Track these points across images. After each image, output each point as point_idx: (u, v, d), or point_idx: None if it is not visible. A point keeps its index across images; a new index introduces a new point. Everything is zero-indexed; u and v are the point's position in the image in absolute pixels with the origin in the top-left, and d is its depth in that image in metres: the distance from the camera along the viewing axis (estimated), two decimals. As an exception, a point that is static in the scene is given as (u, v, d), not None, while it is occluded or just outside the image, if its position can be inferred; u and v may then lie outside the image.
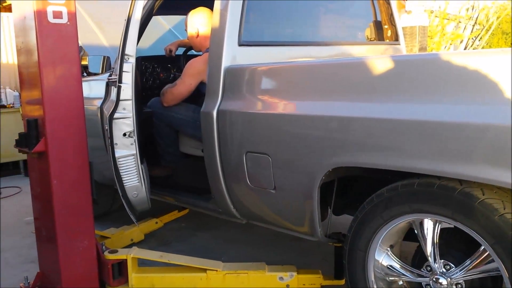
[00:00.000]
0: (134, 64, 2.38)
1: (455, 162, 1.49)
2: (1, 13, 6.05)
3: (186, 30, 2.90)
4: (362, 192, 2.02)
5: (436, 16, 9.06)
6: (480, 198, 1.50)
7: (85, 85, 2.52)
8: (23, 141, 2.24)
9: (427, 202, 1.62)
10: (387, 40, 3.21)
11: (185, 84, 2.72)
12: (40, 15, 2.06)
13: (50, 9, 2.07)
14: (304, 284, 2.35)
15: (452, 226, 1.64)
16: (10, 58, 6.11)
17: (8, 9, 6.80)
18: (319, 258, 2.72)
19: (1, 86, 5.68)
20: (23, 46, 2.26)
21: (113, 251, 2.45)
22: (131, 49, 2.36)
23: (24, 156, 4.64)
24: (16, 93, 5.52)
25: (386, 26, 3.19)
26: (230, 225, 3.28)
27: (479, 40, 10.72)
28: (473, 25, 10.47)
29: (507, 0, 10.74)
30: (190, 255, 2.58)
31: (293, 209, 2.09)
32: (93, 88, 3.06)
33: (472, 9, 10.45)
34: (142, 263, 2.54)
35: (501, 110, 1.40)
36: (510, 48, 1.45)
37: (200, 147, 2.63)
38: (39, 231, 2.44)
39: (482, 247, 1.57)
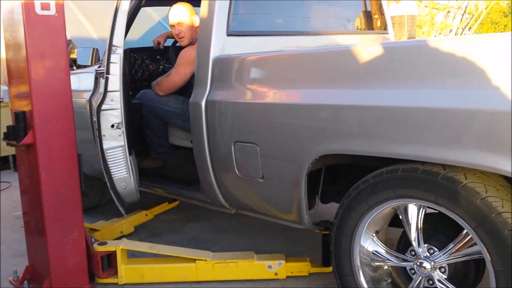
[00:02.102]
0: (122, 55, 2.37)
1: (442, 148, 1.51)
2: None
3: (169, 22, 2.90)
4: (349, 180, 2.04)
5: (425, 6, 9.09)
6: (462, 182, 1.53)
7: (74, 78, 2.52)
8: (11, 134, 2.24)
9: (412, 187, 1.64)
10: (377, 30, 3.22)
11: (179, 73, 2.75)
12: (28, 7, 2.05)
13: (37, 2, 2.06)
14: (292, 272, 2.38)
15: (436, 211, 1.67)
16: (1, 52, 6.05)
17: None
18: (308, 247, 2.75)
19: (-10, 81, 5.63)
20: (11, 39, 2.25)
21: (102, 243, 2.46)
22: (118, 40, 2.36)
23: (13, 151, 4.61)
24: (6, 88, 5.46)
25: (375, 16, 3.21)
26: (221, 216, 3.30)
27: (468, 30, 10.78)
28: (462, 15, 10.52)
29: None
30: (181, 246, 2.61)
31: (280, 197, 2.11)
32: (82, 81, 3.05)
33: (462, -2, 10.51)
34: (132, 255, 2.56)
35: (488, 95, 1.42)
36: (495, 34, 1.46)
37: (189, 138, 2.64)
38: (28, 224, 2.44)
39: (465, 231, 1.60)
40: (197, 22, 2.82)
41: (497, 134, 1.40)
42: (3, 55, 5.88)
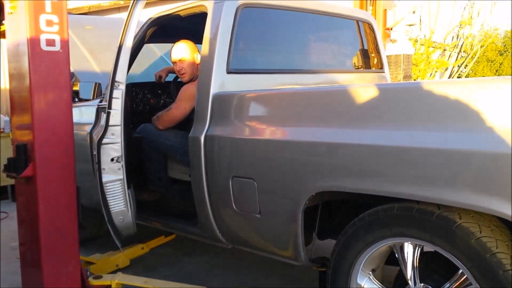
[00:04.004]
0: (124, 91, 2.43)
1: (437, 188, 1.54)
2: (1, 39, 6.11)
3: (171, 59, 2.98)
4: (346, 216, 2.05)
5: (421, 44, 9.30)
6: (457, 222, 1.54)
7: (76, 111, 2.56)
8: (11, 166, 2.26)
9: (407, 226, 1.66)
10: (373, 68, 3.31)
11: (179, 108, 2.81)
12: (33, 43, 2.11)
13: (43, 37, 2.12)
14: (289, 310, 2.35)
15: (431, 250, 1.68)
16: (2, 83, 6.15)
17: (1, 35, 6.88)
18: (306, 284, 2.72)
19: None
20: (16, 71, 2.30)
21: (98, 277, 2.44)
22: (121, 76, 2.42)
23: (12, 181, 4.63)
24: (7, 118, 5.53)
25: (372, 55, 3.30)
26: (217, 251, 3.28)
27: (464, 68, 10.99)
28: (458, 53, 10.75)
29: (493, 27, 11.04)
30: (176, 281, 2.58)
31: (277, 233, 2.12)
32: (83, 114, 3.10)
33: (457, 37, 10.75)
34: (128, 289, 2.53)
35: (484, 137, 1.45)
36: (492, 78, 1.51)
37: (188, 172, 2.66)
38: (24, 256, 2.43)
39: (460, 271, 1.60)
40: (198, 59, 2.90)
41: (492, 175, 1.43)
42: (5, 86, 5.95)
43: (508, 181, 1.39)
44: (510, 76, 1.47)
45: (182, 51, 2.89)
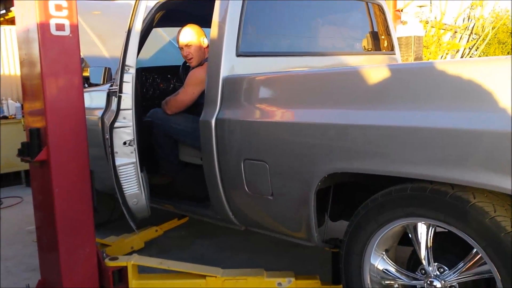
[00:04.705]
0: (134, 75, 2.43)
1: (449, 167, 1.54)
2: (1, 26, 6.14)
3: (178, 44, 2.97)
4: (358, 198, 2.06)
5: (432, 27, 9.16)
6: (471, 201, 1.54)
7: (86, 96, 2.57)
8: (25, 150, 2.29)
9: (420, 206, 1.66)
10: (384, 50, 3.27)
11: (187, 93, 2.80)
12: (43, 28, 2.11)
13: (53, 22, 2.12)
14: (302, 290, 2.38)
15: (445, 230, 1.68)
16: (12, 69, 6.18)
17: (9, 22, 6.90)
18: (318, 265, 2.75)
19: (3, 98, 5.74)
20: (26, 57, 2.32)
21: (114, 258, 2.48)
22: (131, 60, 2.42)
23: (25, 166, 4.69)
24: (18, 104, 5.58)
25: (382, 37, 3.26)
26: (230, 232, 3.31)
27: (476, 50, 10.83)
28: (469, 35, 10.58)
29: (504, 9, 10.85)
30: (189, 263, 2.62)
31: (290, 215, 2.13)
32: (94, 99, 3.11)
33: (468, 19, 10.57)
34: (142, 270, 2.57)
35: (495, 116, 1.44)
36: (505, 56, 1.50)
37: (199, 156, 2.67)
38: (41, 239, 2.47)
39: (475, 250, 1.60)
40: (205, 43, 2.88)
41: (503, 154, 1.42)
42: (6, 72, 6.03)
43: (520, 160, 1.38)
44: None
45: (189, 36, 2.88)
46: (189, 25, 2.93)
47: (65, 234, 2.25)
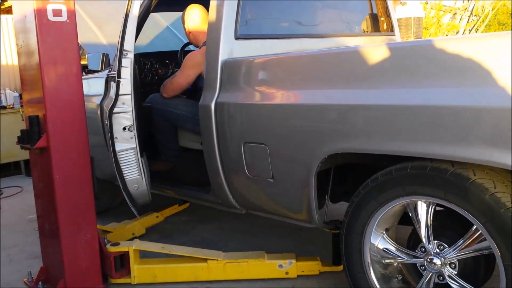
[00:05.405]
0: (132, 60, 2.42)
1: (450, 144, 1.53)
2: (0, 15, 6.09)
3: (183, 26, 2.96)
4: (358, 179, 2.06)
5: (432, 8, 9.08)
6: (471, 178, 1.54)
7: (84, 84, 2.56)
8: (25, 138, 2.29)
9: (421, 185, 1.66)
10: (383, 32, 3.25)
11: (184, 75, 2.78)
12: (40, 13, 2.10)
13: (50, 7, 2.11)
14: (303, 271, 2.40)
15: (445, 208, 1.69)
16: (10, 59, 6.15)
17: (7, 11, 6.84)
18: (319, 247, 2.77)
19: (1, 87, 5.72)
20: (24, 44, 2.30)
21: (115, 244, 2.50)
22: (129, 45, 2.41)
23: (25, 156, 4.70)
24: (16, 94, 5.56)
25: (382, 18, 3.23)
26: (231, 217, 3.32)
27: (476, 31, 10.75)
28: (469, 16, 10.50)
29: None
30: (191, 247, 2.63)
31: (291, 197, 2.14)
32: (92, 86, 3.10)
33: (468, 0, 10.48)
34: (144, 255, 2.59)
35: (495, 92, 1.44)
36: (501, 32, 1.49)
37: (199, 141, 2.67)
38: (42, 226, 2.49)
39: (474, 227, 1.61)
40: (197, 26, 2.86)
41: (503, 130, 1.42)
42: (3, 62, 5.99)
43: (520, 136, 1.38)
44: None
45: (197, 18, 2.85)
46: (194, 5, 2.90)
47: (66, 221, 2.26)
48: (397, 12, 5.46)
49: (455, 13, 10.78)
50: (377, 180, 1.80)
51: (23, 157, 5.17)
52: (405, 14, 5.63)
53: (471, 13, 10.48)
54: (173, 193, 2.94)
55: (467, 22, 10.53)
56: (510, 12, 13.23)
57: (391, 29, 3.29)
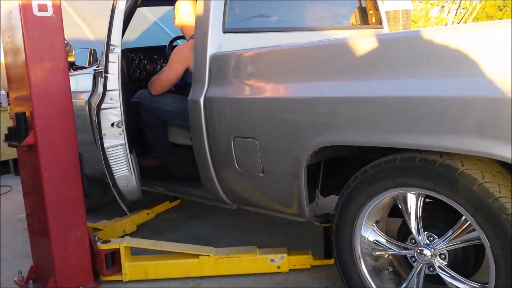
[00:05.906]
0: (119, 54, 2.39)
1: (437, 135, 1.54)
2: None
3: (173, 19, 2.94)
4: (348, 172, 2.06)
5: (420, 1, 9.12)
6: (459, 169, 1.55)
7: (71, 80, 2.53)
8: (12, 135, 2.26)
9: (410, 176, 1.67)
10: (371, 25, 3.25)
11: (171, 70, 2.74)
12: (25, 8, 2.08)
13: (35, 3, 2.09)
14: (294, 265, 2.40)
15: (434, 199, 1.70)
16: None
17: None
18: (310, 241, 2.77)
19: (-12, 86, 5.65)
20: (10, 41, 2.27)
21: (106, 241, 2.48)
22: (116, 40, 2.38)
23: (13, 155, 4.65)
24: (4, 92, 5.48)
25: (370, 12, 3.23)
26: (222, 212, 3.32)
27: (464, 24, 10.82)
28: (457, 9, 10.56)
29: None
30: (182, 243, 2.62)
31: (281, 191, 2.14)
32: (79, 83, 3.07)
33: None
34: (135, 253, 2.58)
35: (484, 82, 1.44)
36: (491, 22, 1.49)
37: (189, 136, 2.66)
38: (32, 225, 2.46)
39: (463, 217, 1.62)
40: (185, 19, 2.84)
41: (492, 120, 1.43)
42: (2, 61, 5.89)
43: (508, 125, 1.38)
44: (509, 20, 1.44)
45: (185, 11, 2.83)
46: None
47: (56, 219, 2.24)
48: (385, 5, 5.48)
49: (443, 6, 10.84)
50: (366, 172, 1.80)
51: (12, 156, 5.11)
52: (393, 7, 5.65)
53: (459, 6, 10.54)
54: (164, 189, 2.92)
55: (455, 15, 10.60)
56: (498, 5, 13.32)
57: (379, 22, 3.29)
